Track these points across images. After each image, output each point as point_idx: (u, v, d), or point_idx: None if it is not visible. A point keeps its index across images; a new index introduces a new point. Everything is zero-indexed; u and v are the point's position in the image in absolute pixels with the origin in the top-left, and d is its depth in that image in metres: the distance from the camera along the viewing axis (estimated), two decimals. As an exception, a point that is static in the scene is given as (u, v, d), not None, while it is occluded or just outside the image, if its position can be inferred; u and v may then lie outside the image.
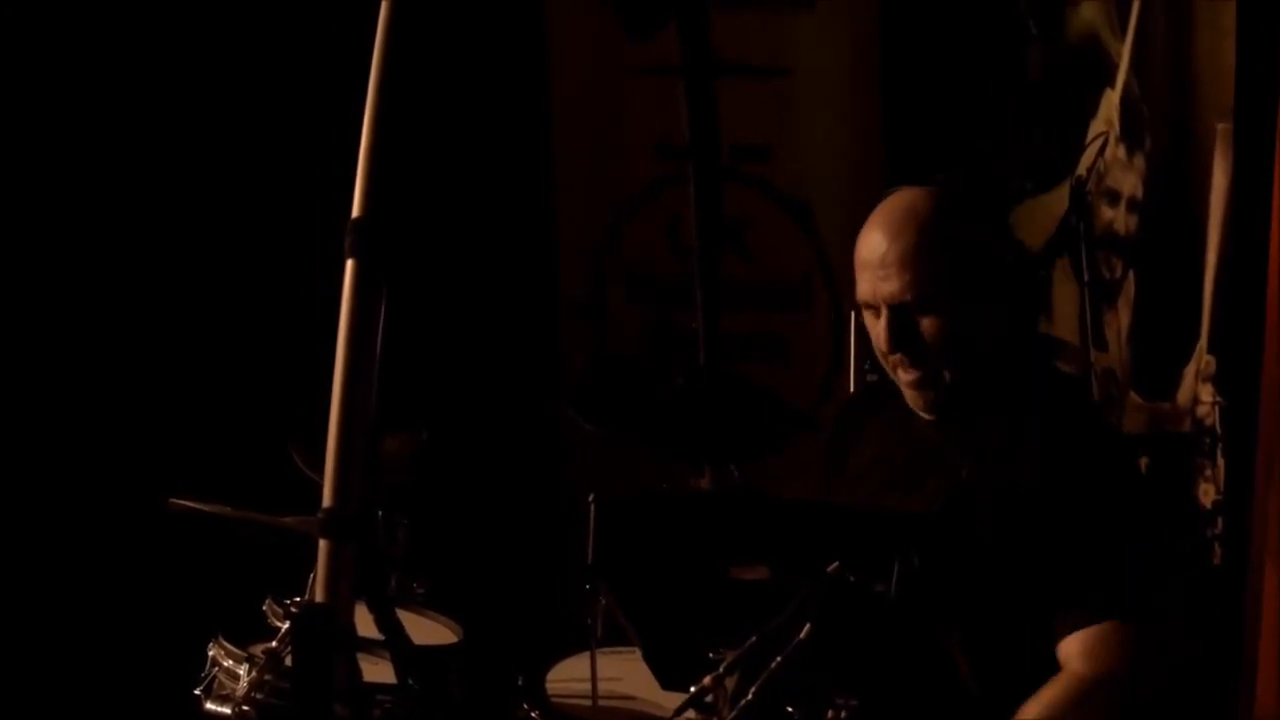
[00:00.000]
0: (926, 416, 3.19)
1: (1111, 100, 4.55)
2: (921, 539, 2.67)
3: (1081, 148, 4.61)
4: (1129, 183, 4.51)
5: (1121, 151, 4.52)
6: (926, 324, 3.10)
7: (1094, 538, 2.98)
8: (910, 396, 3.18)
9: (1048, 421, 3.12)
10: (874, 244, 3.13)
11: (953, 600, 2.77)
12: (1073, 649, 2.98)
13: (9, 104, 4.79)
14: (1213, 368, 4.27)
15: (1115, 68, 4.54)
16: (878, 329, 3.15)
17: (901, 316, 3.10)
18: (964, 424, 3.16)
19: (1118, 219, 4.53)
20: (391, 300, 2.37)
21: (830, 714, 2.59)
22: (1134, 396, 4.49)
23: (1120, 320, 4.55)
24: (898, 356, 3.14)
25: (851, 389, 4.33)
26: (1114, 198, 4.54)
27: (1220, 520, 4.27)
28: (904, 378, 3.17)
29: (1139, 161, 4.49)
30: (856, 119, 5.10)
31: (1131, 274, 4.52)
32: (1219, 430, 4.27)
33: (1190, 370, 4.34)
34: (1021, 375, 3.20)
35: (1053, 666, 2.99)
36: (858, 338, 4.41)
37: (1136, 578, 3.01)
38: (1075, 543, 2.97)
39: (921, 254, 3.08)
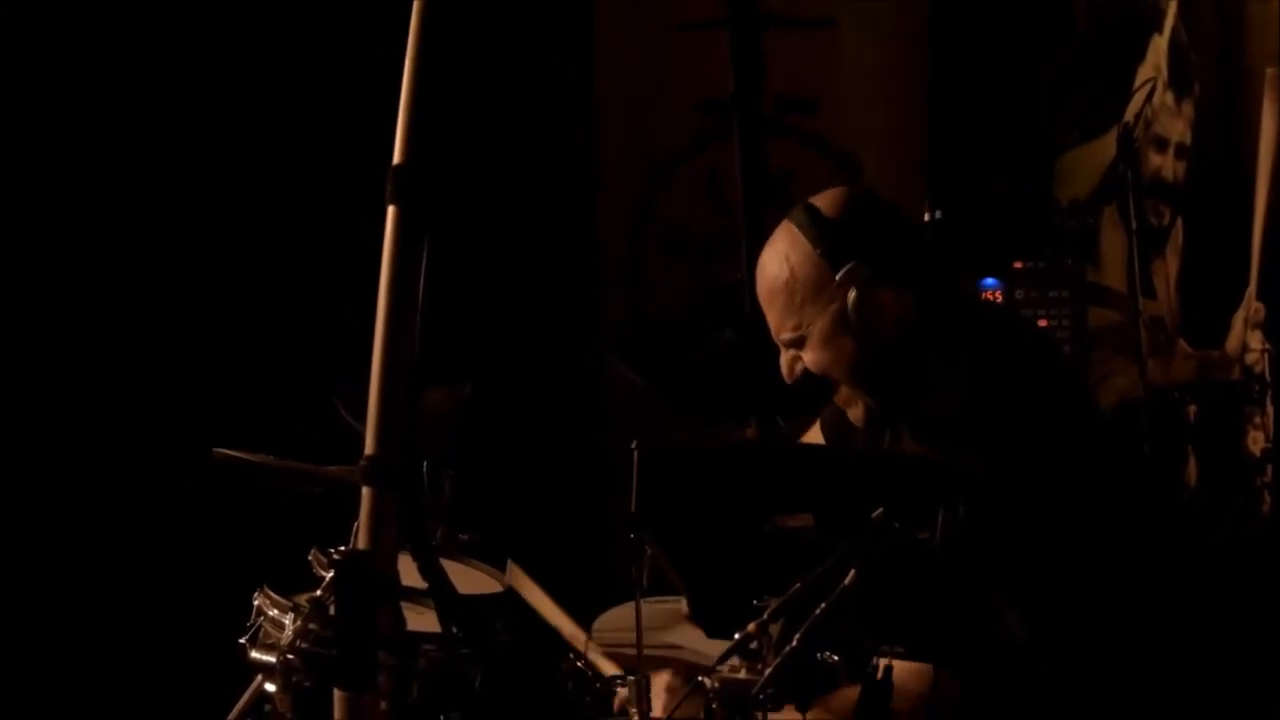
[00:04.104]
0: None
1: (1159, 46, 4.52)
2: (967, 488, 2.66)
3: (1129, 94, 4.58)
4: (1177, 129, 4.48)
5: (1169, 97, 4.49)
6: (809, 358, 3.05)
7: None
8: (850, 414, 3.14)
9: (994, 391, 3.02)
10: (758, 284, 3.10)
11: (999, 549, 2.75)
12: None
13: (60, 70, 4.80)
14: (1262, 314, 4.24)
15: (1163, 13, 4.50)
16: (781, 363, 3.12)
17: (790, 351, 3.07)
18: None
19: (1166, 165, 4.50)
20: (434, 252, 2.37)
21: (875, 661, 2.58)
22: (1183, 344, 4.46)
23: (1169, 268, 4.52)
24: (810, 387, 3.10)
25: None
26: (1162, 144, 4.52)
27: (1270, 468, 4.24)
28: (838, 398, 3.13)
29: (1187, 107, 4.46)
30: (902, 70, 5.08)
31: (1180, 221, 4.50)
32: (1268, 377, 4.24)
33: (1239, 317, 4.31)
34: (958, 349, 3.07)
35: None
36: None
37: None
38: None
39: (781, 290, 3.03)
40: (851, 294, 2.99)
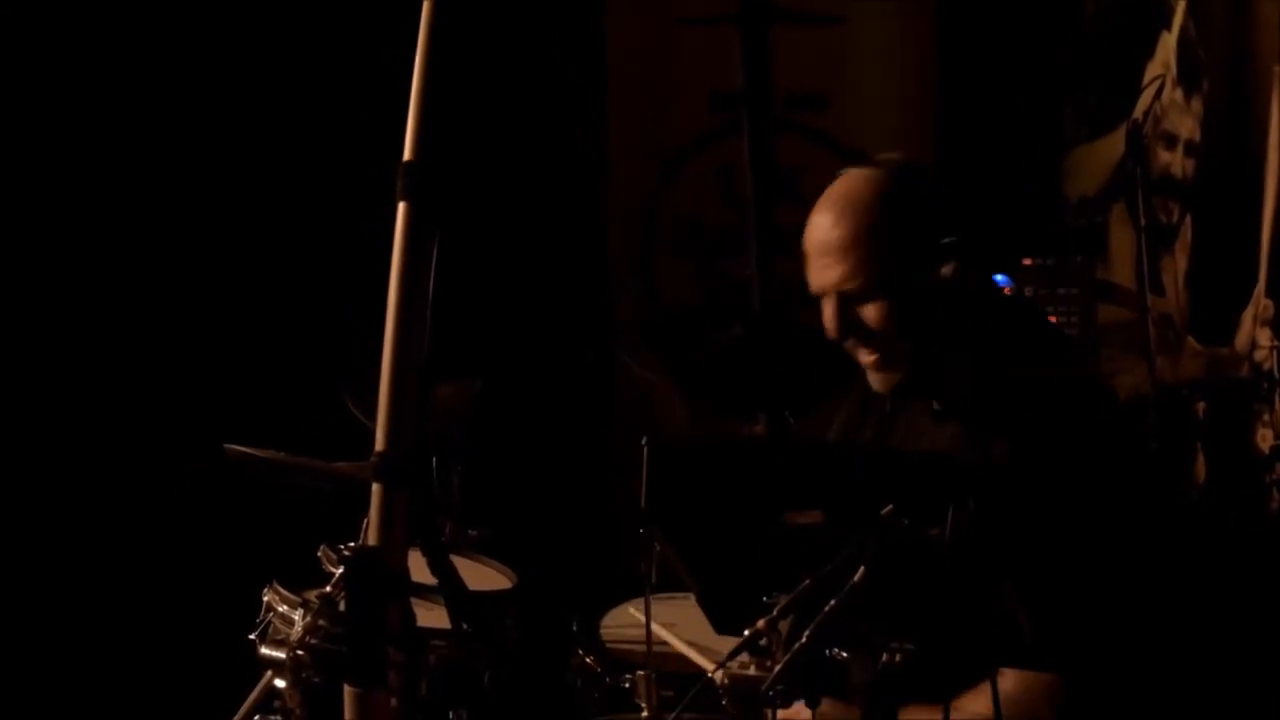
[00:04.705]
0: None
1: (1168, 43, 4.51)
2: (977, 484, 2.66)
3: (1138, 91, 4.58)
4: (1186, 126, 4.47)
5: (1179, 94, 4.49)
6: (870, 311, 3.06)
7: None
8: (873, 379, 3.16)
9: (1026, 384, 3.04)
10: (816, 230, 3.12)
11: (1009, 546, 2.75)
12: None
13: (71, 71, 4.82)
14: (1270, 312, 4.24)
15: (1172, 10, 4.50)
16: (826, 316, 3.12)
17: (847, 304, 3.08)
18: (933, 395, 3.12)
19: (1175, 162, 4.50)
20: (444, 247, 2.37)
21: (884, 658, 2.58)
22: (1192, 342, 4.46)
23: (1177, 265, 4.52)
24: (850, 342, 3.11)
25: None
26: (1171, 141, 4.51)
27: (1279, 465, 4.24)
28: (863, 360, 3.14)
29: (1196, 104, 4.45)
30: (911, 67, 5.08)
31: (1189, 218, 4.50)
32: (1277, 374, 4.24)
33: (1248, 314, 4.31)
34: (995, 339, 3.12)
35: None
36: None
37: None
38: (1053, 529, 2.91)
39: (861, 242, 3.05)
40: (948, 265, 3.03)
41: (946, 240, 3.05)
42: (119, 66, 4.86)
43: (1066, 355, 3.27)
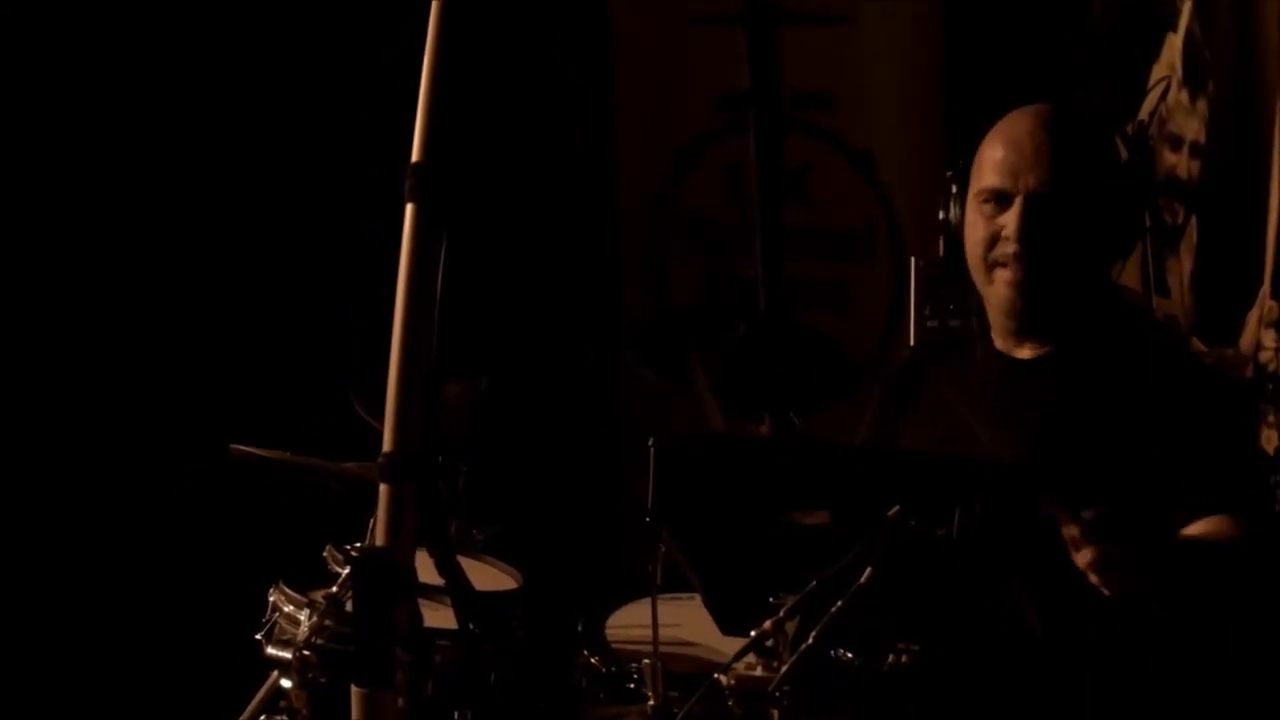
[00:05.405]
0: (1010, 324, 3.19)
1: (1174, 44, 4.51)
2: (985, 484, 2.66)
3: (1144, 92, 4.58)
4: (1191, 128, 4.47)
5: (1184, 96, 4.49)
6: (1057, 220, 3.08)
7: (1201, 450, 2.99)
8: (1005, 298, 3.15)
9: (1143, 356, 3.13)
10: (1024, 131, 3.13)
11: (1019, 545, 2.75)
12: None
13: (75, 72, 4.82)
14: (1276, 313, 4.24)
15: (1177, 12, 4.50)
16: (1002, 220, 3.12)
17: (1037, 207, 3.08)
18: (1055, 360, 3.14)
19: (1180, 164, 4.50)
20: (453, 247, 2.37)
21: (891, 659, 2.59)
22: (1197, 343, 4.46)
23: (1183, 266, 4.52)
24: (1015, 250, 3.10)
25: (912, 337, 4.32)
26: (1176, 143, 4.51)
27: (1284, 467, 4.24)
28: (1007, 277, 3.13)
29: (1201, 106, 4.45)
30: (919, 67, 5.08)
31: (1194, 219, 4.49)
32: (1282, 376, 4.25)
33: (1253, 316, 4.31)
34: (1112, 309, 3.21)
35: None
36: (919, 285, 4.40)
37: (1247, 480, 3.05)
38: (1183, 456, 2.98)
39: (1072, 149, 3.10)
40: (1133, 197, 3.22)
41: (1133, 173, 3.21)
42: (122, 68, 4.87)
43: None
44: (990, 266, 3.15)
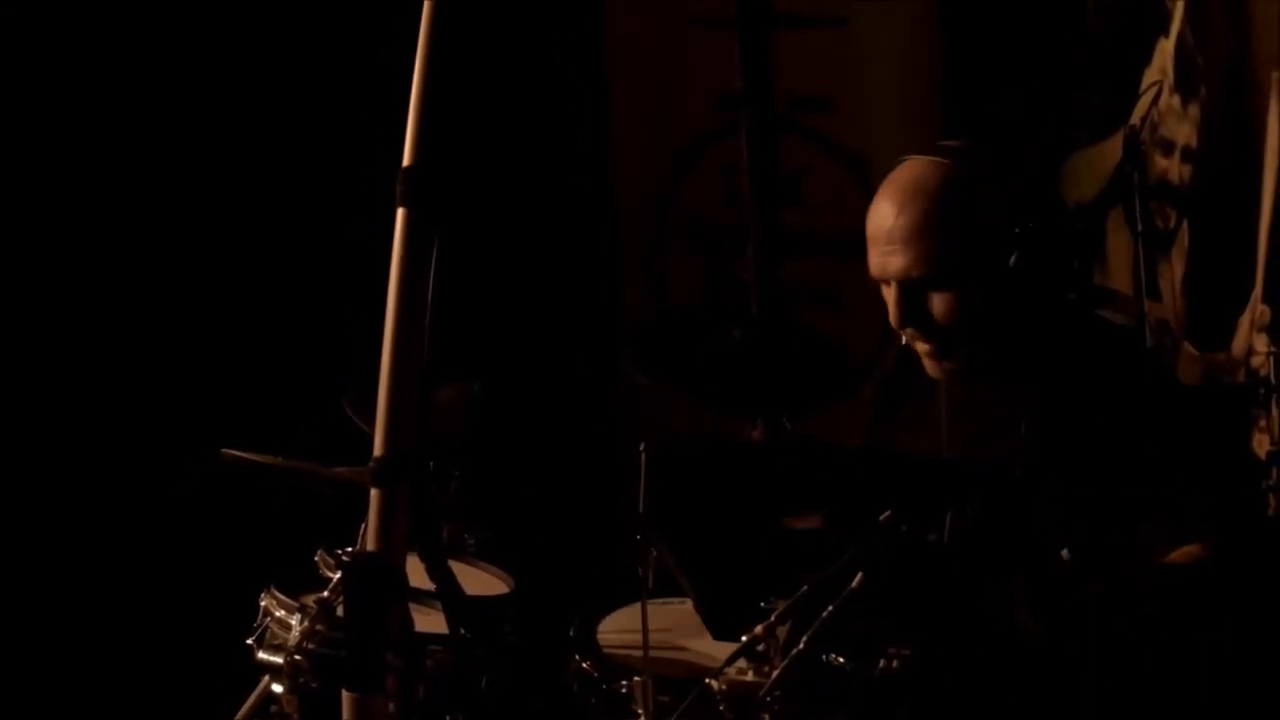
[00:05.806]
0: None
1: (1165, 49, 4.51)
2: (976, 487, 2.66)
3: (1136, 97, 4.58)
4: (1183, 132, 4.47)
5: (1176, 101, 4.49)
6: (937, 300, 3.01)
7: (1158, 475, 2.94)
8: (929, 367, 3.11)
9: (1099, 373, 3.07)
10: (881, 217, 3.04)
11: (1012, 548, 2.75)
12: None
13: (73, 73, 4.82)
14: (1267, 318, 4.23)
15: (1169, 16, 4.50)
16: (889, 303, 3.07)
17: (910, 292, 3.02)
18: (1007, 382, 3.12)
19: (1172, 168, 4.50)
20: (448, 249, 2.37)
21: (882, 663, 2.59)
22: (1188, 347, 4.46)
23: (1174, 270, 4.52)
24: (910, 331, 3.07)
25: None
26: (1168, 147, 4.51)
27: (1275, 471, 4.24)
28: (920, 349, 3.10)
29: (1193, 110, 4.45)
30: (915, 69, 5.08)
31: (1186, 224, 4.49)
32: (1273, 380, 4.24)
33: (1245, 320, 4.31)
34: (1065, 330, 3.10)
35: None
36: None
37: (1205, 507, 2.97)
38: (1141, 481, 2.93)
39: (928, 229, 2.98)
40: (1015, 255, 2.98)
41: (1015, 229, 3.00)
42: (119, 69, 4.86)
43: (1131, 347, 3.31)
44: (906, 337, 3.11)
